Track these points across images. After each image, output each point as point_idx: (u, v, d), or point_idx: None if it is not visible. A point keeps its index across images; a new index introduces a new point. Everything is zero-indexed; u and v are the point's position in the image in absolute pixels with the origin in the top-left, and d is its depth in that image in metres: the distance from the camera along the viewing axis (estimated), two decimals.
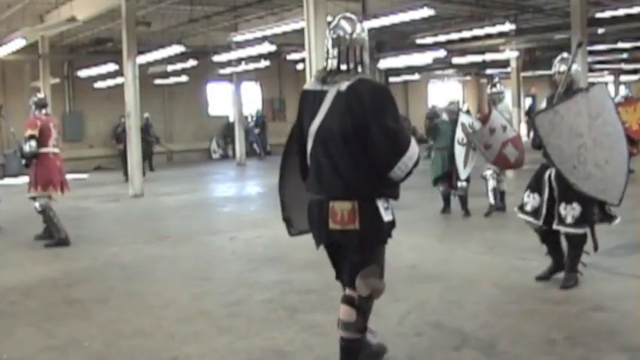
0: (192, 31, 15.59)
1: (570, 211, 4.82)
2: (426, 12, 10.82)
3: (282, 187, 3.55)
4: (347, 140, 3.02)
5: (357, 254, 3.15)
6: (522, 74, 23.55)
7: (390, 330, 4.25)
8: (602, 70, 27.32)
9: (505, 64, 23.32)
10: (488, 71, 27.49)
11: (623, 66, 26.94)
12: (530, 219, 5.08)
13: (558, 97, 4.88)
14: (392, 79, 25.12)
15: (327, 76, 3.15)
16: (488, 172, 8.44)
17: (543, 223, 4.99)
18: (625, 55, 22.51)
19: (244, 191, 13.42)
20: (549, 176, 4.94)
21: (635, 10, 12.46)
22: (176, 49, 14.43)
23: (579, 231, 4.89)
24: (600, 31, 15.83)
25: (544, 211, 4.96)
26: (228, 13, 14.13)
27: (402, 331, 4.23)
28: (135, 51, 12.61)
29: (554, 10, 14.83)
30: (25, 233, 8.28)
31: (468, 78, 30.31)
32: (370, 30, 16.20)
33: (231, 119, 22.59)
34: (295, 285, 5.49)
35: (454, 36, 15.34)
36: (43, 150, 7.53)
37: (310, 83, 3.28)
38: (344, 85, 3.05)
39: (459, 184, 8.41)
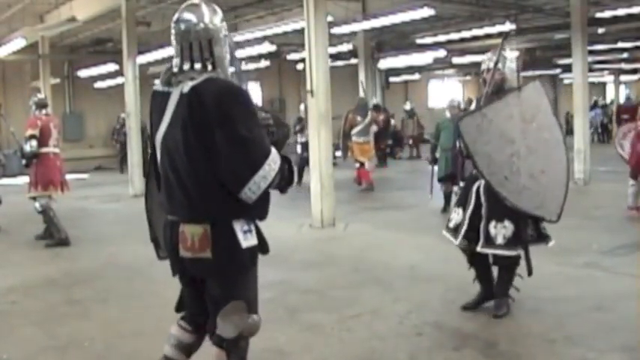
0: None
1: (501, 230, 4.13)
2: (426, 12, 10.82)
3: (148, 204, 3.06)
4: (190, 152, 2.50)
5: (215, 288, 2.63)
6: (522, 74, 23.50)
7: (390, 330, 4.26)
8: (602, 70, 27.28)
9: None
10: None
11: (624, 66, 26.88)
12: (449, 236, 4.43)
13: (486, 97, 4.25)
14: (392, 79, 25.12)
15: (172, 77, 2.64)
16: None
17: (461, 242, 4.35)
18: (625, 55, 22.48)
19: None
20: (477, 189, 4.27)
21: (635, 9, 12.45)
22: None
23: (511, 253, 4.19)
24: (600, 30, 15.81)
25: (464, 228, 4.29)
26: (228, 13, 14.09)
27: (402, 331, 4.23)
28: (135, 51, 12.61)
29: (555, 10, 14.81)
30: (25, 233, 8.27)
31: (468, 78, 30.27)
32: (370, 30, 16.22)
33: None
34: (295, 285, 5.50)
35: (454, 36, 15.34)
36: (44, 150, 7.55)
37: (158, 83, 2.74)
38: (187, 87, 2.51)
39: (461, 183, 8.41)
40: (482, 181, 4.20)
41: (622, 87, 30.38)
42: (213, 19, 2.62)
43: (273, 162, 2.50)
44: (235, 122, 2.44)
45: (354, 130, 11.73)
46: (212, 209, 2.53)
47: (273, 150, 2.53)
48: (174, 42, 2.64)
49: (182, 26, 2.60)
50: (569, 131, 24.94)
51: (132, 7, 12.43)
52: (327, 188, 8.31)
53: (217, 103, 2.45)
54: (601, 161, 14.70)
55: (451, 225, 4.42)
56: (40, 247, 7.54)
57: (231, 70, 2.71)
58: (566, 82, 30.39)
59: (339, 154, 11.85)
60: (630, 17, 13.38)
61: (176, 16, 2.65)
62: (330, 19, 9.25)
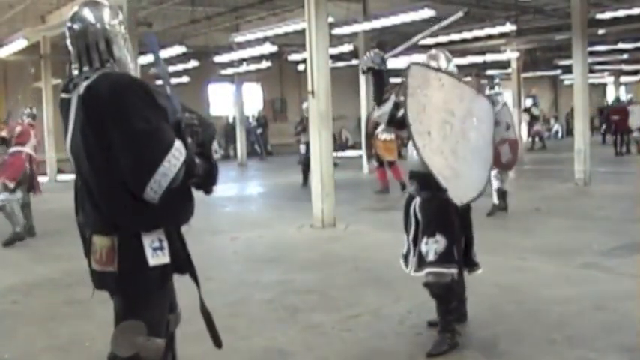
0: (193, 32, 15.61)
1: (433, 245, 3.80)
2: (427, 13, 10.84)
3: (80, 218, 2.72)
4: (92, 157, 2.32)
5: (118, 304, 2.51)
6: (523, 75, 23.55)
7: (390, 329, 4.27)
8: (602, 71, 27.31)
9: (506, 64, 23.29)
10: (489, 72, 27.49)
11: (624, 67, 26.94)
12: (403, 265, 4.16)
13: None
14: (393, 80, 25.13)
15: (70, 82, 2.45)
16: (492, 173, 8.42)
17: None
18: (625, 56, 22.52)
19: (245, 191, 13.44)
20: (414, 208, 4.01)
21: (635, 11, 12.47)
22: (177, 49, 14.46)
23: (444, 270, 3.79)
24: (601, 32, 15.84)
25: (412, 253, 4.01)
26: (230, 14, 14.15)
27: (402, 331, 4.24)
28: (136, 52, 12.63)
29: (555, 11, 14.83)
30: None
31: (469, 79, 30.33)
32: (371, 31, 16.20)
33: (230, 120, 22.70)
34: (296, 285, 5.51)
35: (455, 37, 15.36)
36: (19, 148, 7.91)
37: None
38: (82, 87, 2.34)
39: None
40: (418, 200, 3.97)
41: (622, 88, 30.38)
42: (112, 20, 2.45)
43: (173, 157, 2.24)
44: (130, 115, 2.24)
45: (380, 128, 11.72)
46: (120, 219, 2.34)
47: (177, 143, 2.28)
48: (70, 45, 2.46)
49: (77, 26, 2.42)
50: (569, 132, 25.02)
51: (133, 8, 12.45)
52: (328, 188, 8.33)
53: (111, 97, 2.26)
54: (601, 162, 14.72)
55: (404, 251, 4.15)
56: (41, 246, 7.56)
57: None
58: (566, 82, 30.42)
59: (341, 154, 11.80)
60: (630, 18, 13.40)
61: (72, 13, 2.45)
62: (331, 19, 9.27)
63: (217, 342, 2.71)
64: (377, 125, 11.75)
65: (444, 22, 4.23)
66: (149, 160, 2.22)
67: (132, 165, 2.24)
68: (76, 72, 2.44)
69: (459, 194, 3.76)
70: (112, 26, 2.44)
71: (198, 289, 2.62)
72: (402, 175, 11.77)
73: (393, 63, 4.48)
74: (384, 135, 11.62)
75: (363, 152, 13.68)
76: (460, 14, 4.27)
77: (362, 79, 15.37)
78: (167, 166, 2.23)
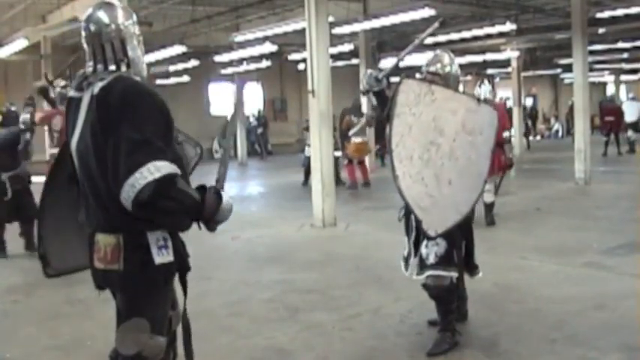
0: (193, 32, 15.60)
1: (433, 248, 3.77)
2: (427, 12, 10.84)
3: (42, 219, 2.80)
4: (99, 156, 2.33)
5: (121, 302, 2.53)
6: (523, 74, 23.56)
7: (391, 329, 4.28)
8: (602, 69, 27.31)
9: (506, 64, 23.31)
10: (489, 71, 27.49)
11: (624, 66, 26.94)
12: (402, 267, 4.18)
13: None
14: (393, 80, 25.16)
15: (83, 81, 2.48)
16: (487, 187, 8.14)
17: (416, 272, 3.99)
18: (625, 55, 22.52)
19: (246, 191, 13.44)
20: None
21: (634, 10, 12.48)
22: (178, 49, 14.47)
23: (444, 273, 3.79)
24: (601, 31, 15.84)
25: (412, 257, 4.02)
26: (230, 14, 14.14)
27: (402, 331, 4.25)
28: None
29: (555, 10, 14.83)
30: None
31: (469, 78, 30.31)
32: (371, 30, 16.15)
33: (228, 119, 22.72)
34: (296, 284, 5.51)
35: (455, 36, 15.35)
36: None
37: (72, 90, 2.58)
38: (97, 88, 2.37)
39: None
40: None
41: (622, 87, 30.38)
42: (126, 20, 2.50)
43: (147, 170, 2.20)
44: (127, 121, 2.25)
45: (352, 131, 11.87)
46: (126, 219, 2.33)
47: (161, 162, 2.23)
48: (85, 44, 2.51)
49: (92, 27, 2.48)
50: (569, 131, 25.02)
51: (133, 8, 12.39)
52: (328, 188, 8.34)
53: (120, 101, 2.29)
54: (601, 161, 14.72)
55: (405, 254, 4.15)
56: None
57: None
58: (566, 81, 30.43)
59: (338, 153, 11.88)
60: (630, 17, 13.41)
61: (87, 14, 2.51)
62: (331, 19, 9.27)
63: (189, 358, 2.64)
64: (350, 126, 11.97)
65: (424, 35, 4.24)
66: (128, 165, 2.22)
67: (112, 167, 2.25)
68: (90, 69, 2.47)
69: (434, 224, 3.66)
70: (125, 27, 2.49)
71: (185, 296, 2.59)
72: (367, 174, 12.33)
73: (392, 63, 4.45)
74: (358, 138, 11.84)
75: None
76: (436, 25, 4.28)
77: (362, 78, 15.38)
78: (138, 177, 2.20)
